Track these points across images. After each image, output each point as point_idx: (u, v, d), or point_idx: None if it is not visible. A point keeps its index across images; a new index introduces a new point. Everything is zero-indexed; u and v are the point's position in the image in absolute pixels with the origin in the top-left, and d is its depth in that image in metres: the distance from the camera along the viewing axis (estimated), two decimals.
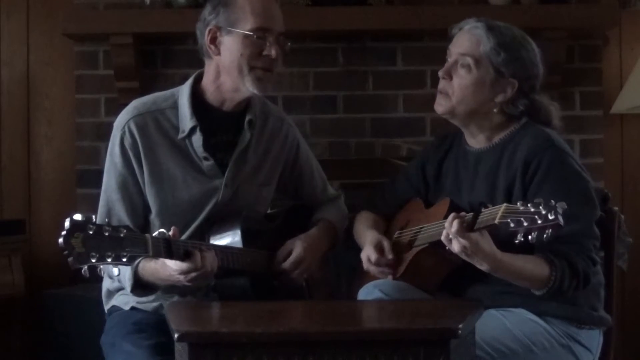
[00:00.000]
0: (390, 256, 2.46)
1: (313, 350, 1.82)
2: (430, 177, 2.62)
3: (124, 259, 1.98)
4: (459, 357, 1.89)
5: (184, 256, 2.20)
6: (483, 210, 2.12)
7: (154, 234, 2.12)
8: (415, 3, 3.72)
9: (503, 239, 2.13)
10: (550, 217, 2.01)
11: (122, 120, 2.50)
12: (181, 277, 2.23)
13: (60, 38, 3.78)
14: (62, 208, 3.81)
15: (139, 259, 2.28)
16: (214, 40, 2.48)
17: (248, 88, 2.46)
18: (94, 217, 1.96)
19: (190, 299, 2.46)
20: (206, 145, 2.49)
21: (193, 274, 2.21)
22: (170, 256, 2.16)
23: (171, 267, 2.22)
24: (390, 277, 2.45)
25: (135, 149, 2.47)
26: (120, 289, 2.53)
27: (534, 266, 2.23)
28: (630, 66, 3.84)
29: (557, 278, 2.23)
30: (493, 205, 2.13)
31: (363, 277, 2.60)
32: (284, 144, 2.66)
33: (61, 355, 3.45)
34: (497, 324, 2.31)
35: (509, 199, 2.32)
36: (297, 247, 2.53)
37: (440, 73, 2.47)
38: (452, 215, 2.16)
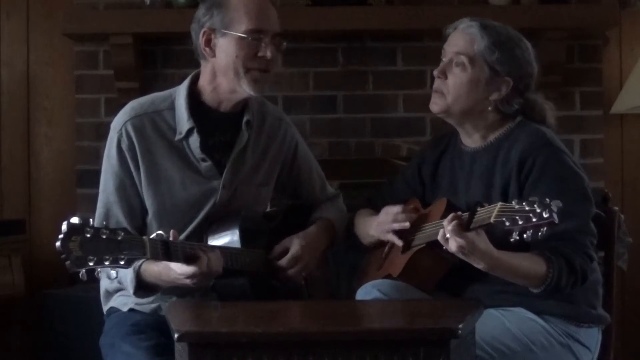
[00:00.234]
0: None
1: (313, 350, 1.82)
2: (427, 177, 2.62)
3: (122, 262, 1.98)
4: (459, 357, 1.89)
5: (189, 259, 2.20)
6: (479, 209, 2.13)
7: (151, 236, 2.12)
8: (415, 3, 3.73)
9: (499, 237, 2.14)
10: (545, 215, 2.02)
11: (119, 121, 2.50)
12: (187, 281, 2.23)
13: (60, 38, 3.78)
14: (62, 208, 3.81)
15: (140, 262, 2.29)
16: (208, 42, 2.47)
17: (245, 89, 2.46)
18: (91, 220, 1.96)
19: (190, 299, 2.46)
20: (203, 146, 2.49)
21: (199, 277, 2.21)
22: (169, 258, 2.16)
23: (175, 271, 2.22)
24: (400, 243, 2.46)
25: (132, 151, 2.46)
26: (119, 290, 2.52)
27: (530, 264, 2.24)
28: (630, 66, 3.84)
29: (555, 275, 2.23)
30: (489, 205, 2.14)
31: (363, 276, 2.60)
32: (282, 143, 2.66)
33: (61, 355, 3.45)
34: (496, 323, 2.31)
35: (505, 197, 2.32)
36: (294, 244, 2.52)
37: (436, 72, 2.48)
38: (449, 215, 2.17)
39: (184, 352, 1.85)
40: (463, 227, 2.14)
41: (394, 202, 2.68)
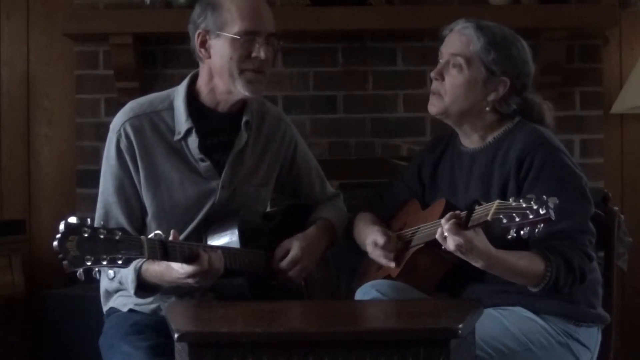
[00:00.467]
0: (395, 244, 2.47)
1: (313, 350, 1.82)
2: (426, 178, 2.63)
3: (120, 262, 1.98)
4: (459, 357, 1.89)
5: (189, 259, 2.20)
6: (477, 207, 2.14)
7: (149, 236, 2.12)
8: (415, 3, 3.72)
9: (497, 236, 2.14)
10: (542, 211, 2.02)
11: (117, 122, 2.50)
12: (189, 280, 2.23)
13: (60, 38, 3.78)
14: (62, 208, 3.81)
15: (141, 262, 2.29)
16: (203, 43, 2.47)
17: (240, 91, 2.45)
18: (89, 219, 1.96)
19: (189, 300, 2.46)
20: (202, 147, 2.49)
21: (201, 276, 2.21)
22: (167, 258, 2.16)
23: (177, 271, 2.22)
24: (393, 265, 2.45)
25: (131, 151, 2.46)
26: (119, 290, 2.53)
27: (529, 262, 2.24)
28: (630, 66, 3.84)
29: (553, 274, 2.24)
30: (487, 203, 2.14)
31: (363, 277, 2.60)
32: (281, 143, 2.66)
33: (61, 355, 3.45)
34: (495, 323, 2.31)
35: (504, 197, 2.32)
36: (294, 246, 2.52)
37: (433, 74, 2.49)
38: (447, 214, 2.18)
39: (184, 352, 1.85)
40: (461, 226, 2.14)
41: (394, 204, 2.69)
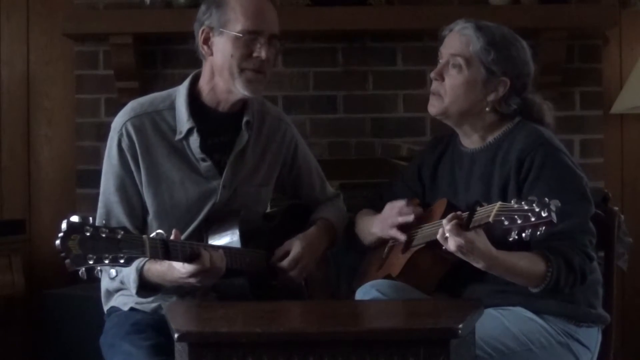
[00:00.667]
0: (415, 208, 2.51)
1: (313, 350, 1.82)
2: (427, 179, 2.63)
3: (122, 261, 1.98)
4: (459, 357, 1.89)
5: (191, 258, 2.20)
6: (478, 209, 2.14)
7: (151, 235, 2.12)
8: (415, 3, 3.72)
9: (498, 236, 2.14)
10: (544, 214, 2.02)
11: (119, 121, 2.50)
12: (191, 280, 2.23)
13: (60, 38, 3.78)
14: (62, 208, 3.81)
15: (142, 262, 2.29)
16: (206, 40, 2.48)
17: (239, 90, 2.46)
18: (91, 218, 1.96)
19: (190, 299, 2.46)
20: (203, 147, 2.49)
21: (203, 275, 2.21)
22: (168, 257, 2.16)
23: (179, 270, 2.22)
24: (403, 238, 2.47)
25: (132, 151, 2.46)
26: (120, 289, 2.53)
27: (529, 263, 2.24)
28: (630, 66, 3.84)
29: (554, 274, 2.24)
30: (488, 204, 2.14)
31: (363, 276, 2.60)
32: (281, 143, 2.66)
33: (61, 355, 3.45)
34: (495, 323, 2.31)
35: (504, 197, 2.32)
36: (295, 246, 2.52)
37: (432, 74, 2.49)
38: (448, 215, 2.17)
39: (184, 352, 1.85)
40: (462, 227, 2.14)
41: None
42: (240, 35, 2.42)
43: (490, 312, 2.33)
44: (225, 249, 2.37)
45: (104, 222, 2.29)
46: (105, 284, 2.57)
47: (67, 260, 1.90)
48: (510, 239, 2.07)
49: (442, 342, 1.82)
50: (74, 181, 3.78)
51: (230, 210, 2.50)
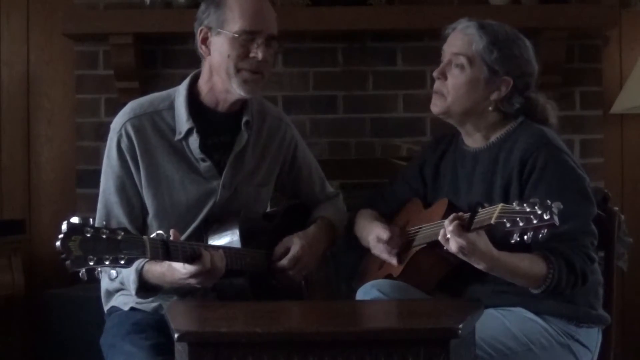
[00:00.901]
0: (399, 239, 2.47)
1: (313, 350, 1.82)
2: (429, 178, 2.62)
3: (122, 262, 1.98)
4: (459, 357, 1.88)
5: (191, 258, 2.20)
6: (480, 210, 2.13)
7: (151, 236, 2.12)
8: (415, 3, 3.73)
9: (499, 238, 2.14)
10: (546, 216, 2.02)
11: (118, 122, 2.50)
12: (192, 280, 2.23)
13: (60, 38, 3.78)
14: (62, 208, 3.81)
15: (142, 262, 2.29)
16: (205, 40, 2.48)
17: (236, 90, 2.46)
18: (91, 219, 1.96)
19: (190, 299, 2.46)
20: (203, 147, 2.49)
21: (203, 276, 2.21)
22: (169, 258, 2.16)
23: (180, 271, 2.22)
24: (394, 261, 2.45)
25: (132, 151, 2.46)
26: (120, 289, 2.53)
27: (531, 264, 2.24)
28: (630, 66, 3.84)
29: (555, 276, 2.23)
30: (490, 205, 2.14)
31: (364, 276, 2.60)
32: (281, 143, 2.66)
33: (61, 355, 3.45)
34: (496, 323, 2.31)
35: (506, 198, 2.32)
36: (294, 245, 2.52)
37: (435, 73, 2.48)
38: (450, 215, 2.17)
39: (184, 352, 1.85)
40: (464, 228, 2.14)
41: (395, 203, 2.69)
42: (237, 35, 2.42)
43: (490, 312, 2.33)
44: (225, 249, 2.37)
45: (104, 222, 2.29)
46: (105, 284, 2.57)
47: (68, 262, 1.90)
48: (512, 241, 2.06)
49: (442, 342, 1.81)
50: (74, 181, 3.78)
51: (230, 210, 2.50)
